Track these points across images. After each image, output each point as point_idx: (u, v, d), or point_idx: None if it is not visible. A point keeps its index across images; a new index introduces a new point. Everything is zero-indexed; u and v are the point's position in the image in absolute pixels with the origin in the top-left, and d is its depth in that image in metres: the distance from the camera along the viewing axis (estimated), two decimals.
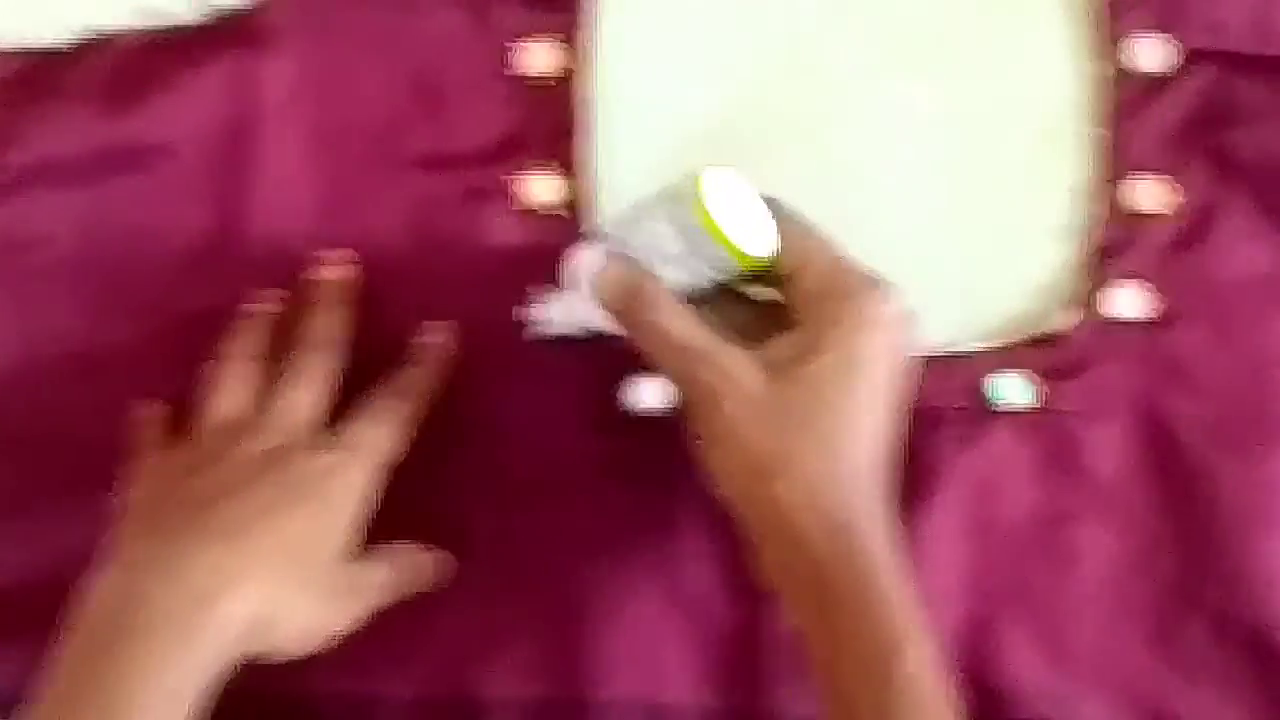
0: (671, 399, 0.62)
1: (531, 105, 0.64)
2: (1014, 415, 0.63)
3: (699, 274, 0.57)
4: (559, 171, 0.64)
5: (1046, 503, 0.62)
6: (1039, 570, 0.61)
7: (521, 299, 0.63)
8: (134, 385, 0.63)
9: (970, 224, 0.65)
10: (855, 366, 0.55)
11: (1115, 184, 0.64)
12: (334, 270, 0.63)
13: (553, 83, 0.64)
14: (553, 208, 0.64)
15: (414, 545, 0.60)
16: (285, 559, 0.55)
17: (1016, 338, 0.63)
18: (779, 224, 0.57)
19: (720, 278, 0.58)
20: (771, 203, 0.58)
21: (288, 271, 0.63)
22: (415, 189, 0.64)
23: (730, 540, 0.59)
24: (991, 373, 0.63)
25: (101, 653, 0.52)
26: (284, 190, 0.64)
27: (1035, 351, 0.63)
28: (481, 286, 0.63)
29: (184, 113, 0.64)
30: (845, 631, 0.53)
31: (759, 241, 0.57)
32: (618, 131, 0.65)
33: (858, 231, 0.64)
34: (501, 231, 0.64)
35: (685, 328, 0.56)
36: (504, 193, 0.64)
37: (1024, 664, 0.62)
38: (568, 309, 0.61)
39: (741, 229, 0.56)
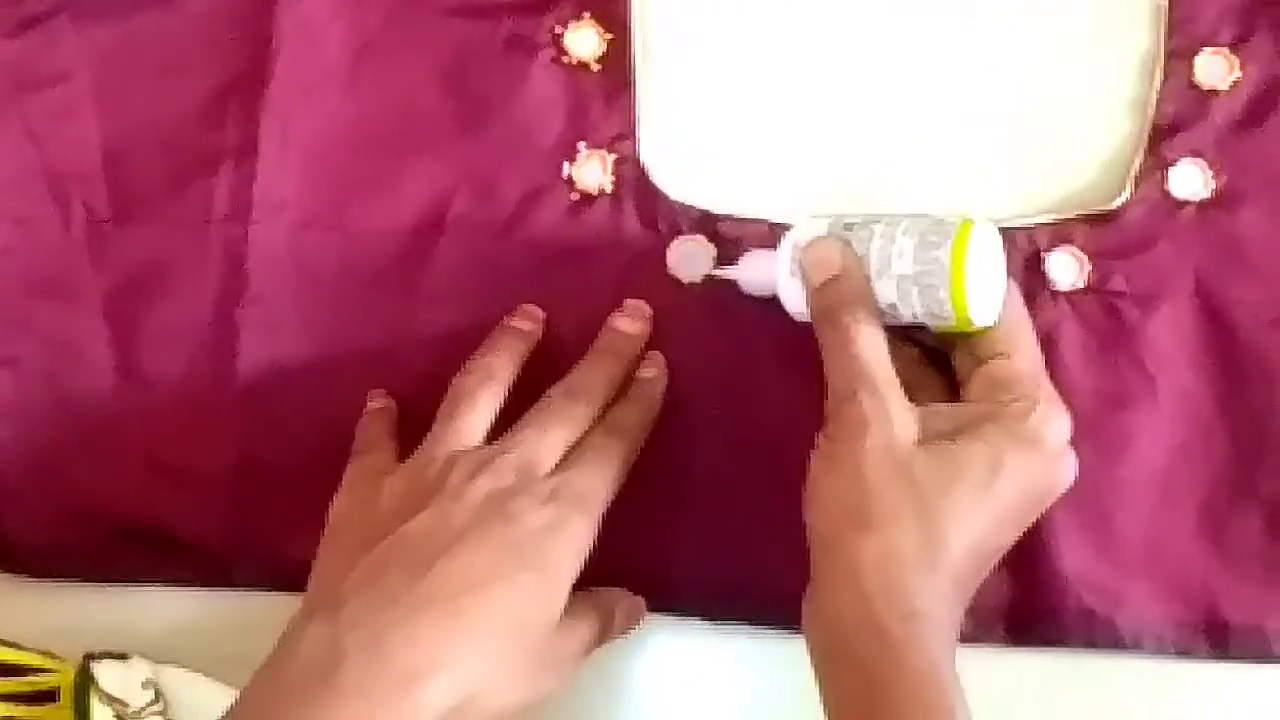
0: (710, 268, 0.61)
1: None
2: (1067, 294, 0.61)
3: (906, 304, 0.56)
4: (599, 24, 0.62)
5: (1097, 387, 0.60)
6: (1089, 455, 0.58)
7: (554, 151, 0.61)
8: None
9: (1026, 93, 0.63)
10: (999, 470, 0.53)
11: (1177, 57, 0.62)
12: (633, 324, 0.60)
13: None
14: (591, 61, 0.62)
15: (615, 591, 0.58)
16: (498, 640, 0.52)
17: (1071, 213, 0.61)
18: (1005, 304, 0.57)
19: (921, 318, 0.56)
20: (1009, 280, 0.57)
21: (317, 117, 0.62)
22: (452, 37, 0.62)
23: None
24: (1046, 249, 0.61)
25: (291, 707, 0.50)
26: (313, 34, 0.62)
27: (1089, 228, 0.61)
28: (518, 140, 0.62)
29: None
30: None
31: (984, 312, 0.56)
32: None
33: (911, 97, 0.62)
34: (539, 84, 0.62)
35: (871, 344, 0.55)
36: (544, 44, 0.62)
37: (1070, 551, 0.60)
38: (760, 270, 0.59)
39: (978, 293, 0.55)
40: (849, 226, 0.57)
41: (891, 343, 0.56)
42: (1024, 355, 0.57)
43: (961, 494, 0.53)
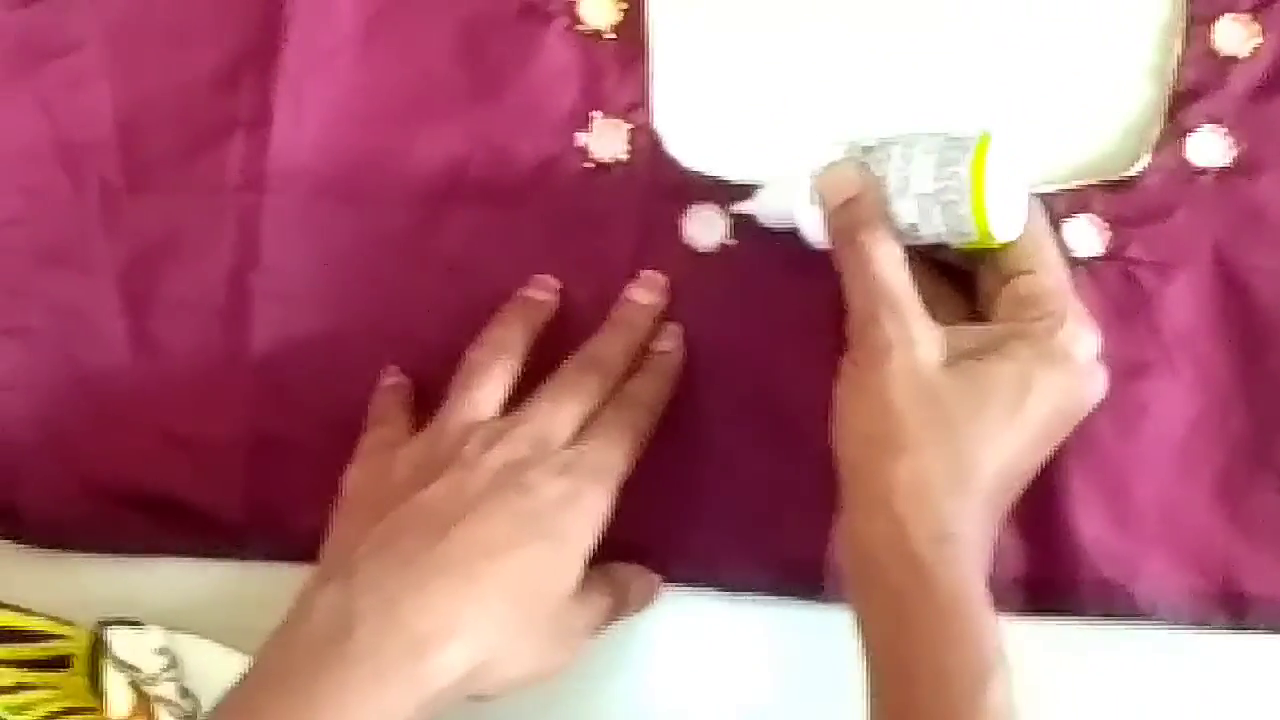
0: (726, 237, 0.60)
1: None
2: (1085, 262, 0.60)
3: (928, 223, 0.55)
4: None
5: (1115, 355, 0.59)
6: (1106, 425, 0.58)
7: (568, 120, 0.61)
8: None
9: (1046, 59, 0.62)
10: (1028, 389, 0.53)
11: (1197, 23, 0.61)
12: (648, 295, 0.60)
13: None
14: (605, 29, 0.62)
15: (630, 567, 0.58)
16: (513, 607, 0.51)
17: (1089, 180, 0.61)
18: (1029, 219, 0.56)
19: (943, 236, 0.55)
20: (1031, 197, 0.56)
21: (330, 85, 0.61)
22: (465, 5, 0.62)
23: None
24: (1064, 216, 0.60)
25: (304, 671, 0.50)
26: (325, 1, 0.61)
27: (1108, 196, 0.61)
28: (532, 109, 0.61)
29: None
30: (931, 645, 0.50)
31: (1007, 227, 0.55)
32: None
33: (928, 64, 0.62)
34: (554, 52, 0.61)
35: (891, 264, 0.54)
36: (557, 12, 0.62)
37: (1088, 522, 0.59)
38: (780, 200, 0.58)
39: (999, 207, 0.54)
40: (866, 150, 0.56)
41: (912, 262, 0.55)
42: (1049, 271, 0.56)
43: (991, 415, 0.52)
